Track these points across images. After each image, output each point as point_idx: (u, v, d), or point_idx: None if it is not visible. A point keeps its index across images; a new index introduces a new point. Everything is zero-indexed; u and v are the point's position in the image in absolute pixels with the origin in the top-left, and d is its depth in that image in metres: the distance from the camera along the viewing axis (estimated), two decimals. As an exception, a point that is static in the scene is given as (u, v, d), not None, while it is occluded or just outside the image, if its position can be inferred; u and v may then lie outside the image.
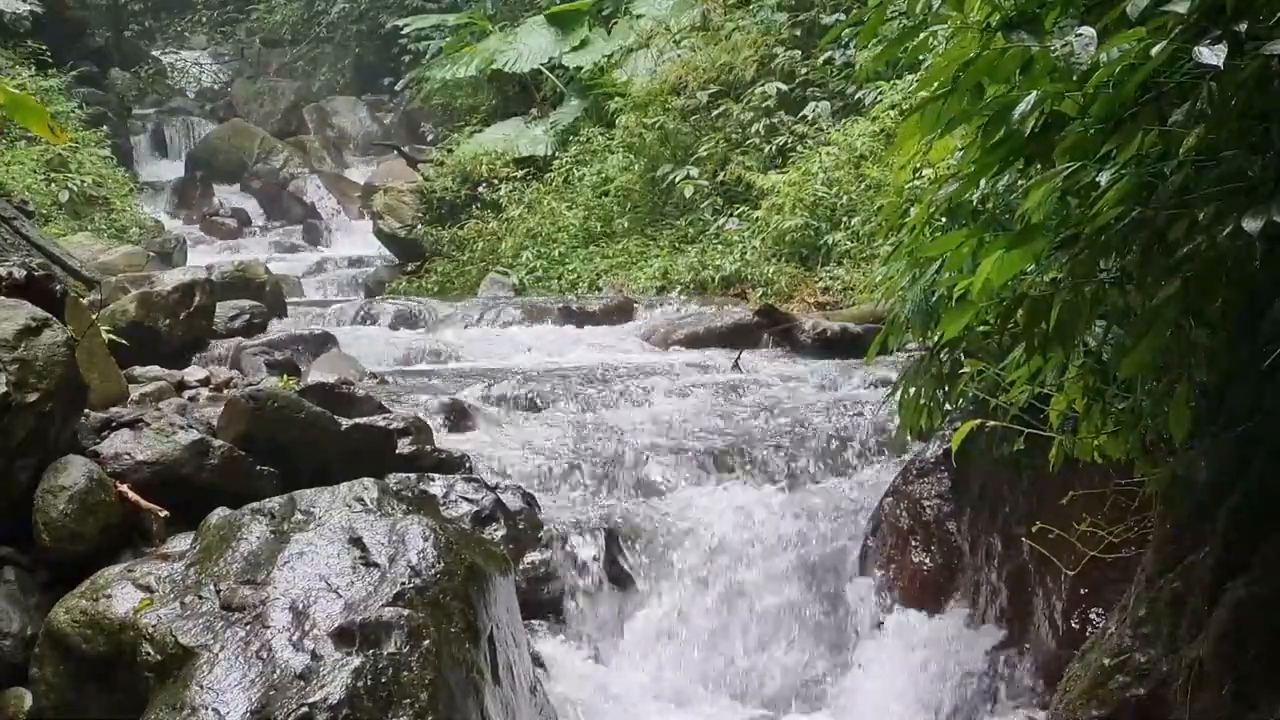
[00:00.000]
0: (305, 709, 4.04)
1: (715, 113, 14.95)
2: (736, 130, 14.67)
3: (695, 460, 6.89)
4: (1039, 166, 3.29)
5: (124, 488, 5.31)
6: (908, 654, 5.47)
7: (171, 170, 25.40)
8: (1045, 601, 5.00)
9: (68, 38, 22.86)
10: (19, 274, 5.81)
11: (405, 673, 4.20)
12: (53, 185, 16.49)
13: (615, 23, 18.12)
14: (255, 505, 4.92)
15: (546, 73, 18.15)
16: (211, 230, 22.44)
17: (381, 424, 6.41)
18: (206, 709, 4.11)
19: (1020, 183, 3.62)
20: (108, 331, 7.33)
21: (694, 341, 10.26)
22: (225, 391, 7.16)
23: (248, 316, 9.92)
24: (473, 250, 16.44)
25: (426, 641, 4.29)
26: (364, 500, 4.87)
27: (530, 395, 8.16)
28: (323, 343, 9.59)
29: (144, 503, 5.30)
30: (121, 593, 4.62)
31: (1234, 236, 2.70)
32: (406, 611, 4.35)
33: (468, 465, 6.52)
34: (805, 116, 14.01)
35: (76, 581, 4.76)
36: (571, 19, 18.21)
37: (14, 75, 17.42)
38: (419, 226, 17.67)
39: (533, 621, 5.70)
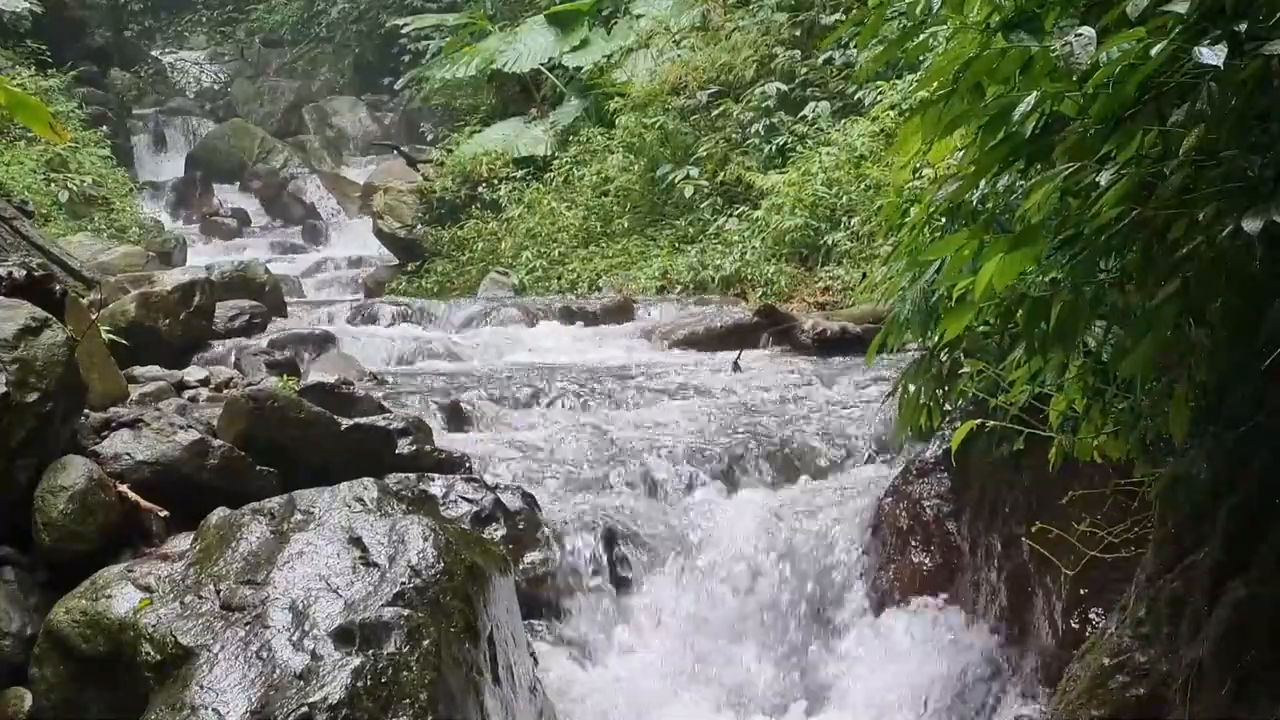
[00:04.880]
0: (305, 709, 4.04)
1: (715, 113, 14.96)
2: (736, 130, 14.67)
3: (694, 460, 6.89)
4: (1039, 167, 3.29)
5: (124, 488, 5.31)
6: (907, 654, 5.46)
7: (171, 170, 25.40)
8: (1045, 601, 5.00)
9: (68, 38, 22.87)
10: (19, 274, 5.81)
11: (405, 673, 4.20)
12: (53, 185, 16.49)
13: (615, 23, 18.12)
14: (255, 505, 4.93)
15: (546, 73, 18.15)
16: (211, 230, 22.46)
17: (381, 424, 6.41)
18: (206, 709, 4.11)
19: (1020, 183, 3.62)
20: (108, 331, 7.34)
21: (694, 341, 10.26)
22: (225, 391, 7.17)
23: (248, 316, 9.93)
24: (473, 250, 16.45)
25: (426, 641, 4.30)
26: (364, 500, 4.87)
27: (530, 395, 8.16)
28: (323, 343, 9.59)
29: (144, 503, 5.30)
30: (121, 593, 4.62)
31: (1234, 236, 2.70)
32: (406, 611, 4.35)
33: (468, 465, 6.52)
34: (805, 116, 14.01)
35: (76, 581, 4.76)
36: (571, 19, 18.21)
37: (14, 75, 17.41)
38: (419, 226, 17.68)
39: (533, 621, 5.70)
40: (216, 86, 30.75)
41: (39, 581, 4.98)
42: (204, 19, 33.88)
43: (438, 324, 11.77)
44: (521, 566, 5.82)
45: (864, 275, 11.33)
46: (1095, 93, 2.86)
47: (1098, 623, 4.60)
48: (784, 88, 14.40)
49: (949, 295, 3.98)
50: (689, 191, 14.42)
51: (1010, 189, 3.82)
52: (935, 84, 3.44)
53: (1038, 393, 4.08)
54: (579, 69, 17.69)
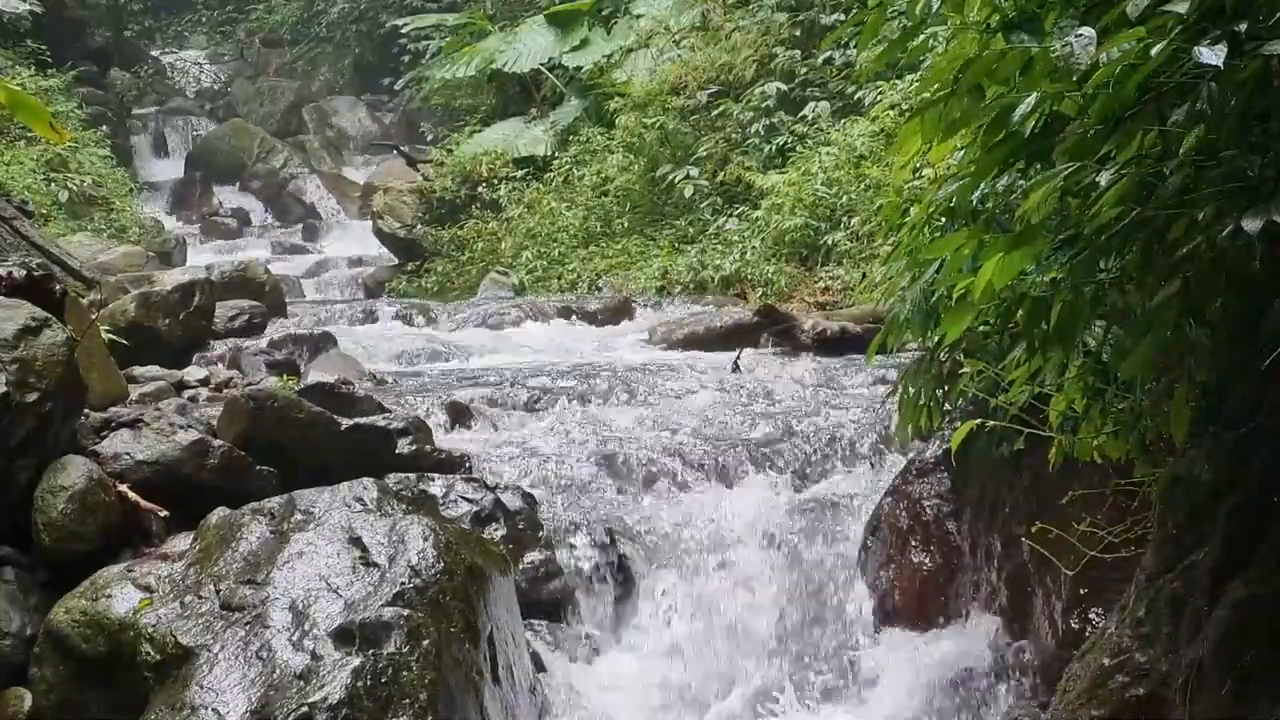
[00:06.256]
0: (305, 709, 4.05)
1: (715, 113, 14.96)
2: (736, 130, 14.68)
3: (694, 460, 6.89)
4: (1039, 167, 3.29)
5: (124, 488, 5.31)
6: (907, 654, 5.46)
7: (171, 170, 25.40)
8: (1045, 601, 5.00)
9: (68, 38, 22.86)
10: (19, 274, 5.81)
11: (405, 673, 4.20)
12: (53, 185, 16.49)
13: (615, 23, 18.12)
14: (255, 505, 4.93)
15: (546, 73, 18.15)
16: (211, 230, 22.45)
17: (381, 424, 6.41)
18: (206, 709, 4.11)
19: (1020, 183, 3.62)
20: (107, 331, 7.34)
21: (694, 341, 10.26)
22: (225, 391, 7.17)
23: (248, 316, 9.93)
24: (473, 250, 16.45)
25: (426, 641, 4.30)
26: (364, 500, 4.88)
27: (530, 395, 8.16)
28: (323, 343, 9.59)
29: (144, 503, 5.30)
30: (121, 593, 4.62)
31: (1234, 236, 2.70)
32: (406, 611, 4.35)
33: (468, 465, 6.52)
34: (805, 116, 14.01)
35: (76, 581, 4.77)
36: (571, 19, 18.20)
37: (14, 75, 17.41)
38: (419, 226, 17.68)
39: (533, 621, 5.70)
40: (216, 86, 30.74)
41: (39, 581, 4.99)
42: (204, 19, 33.88)
43: (438, 324, 11.78)
44: (521, 566, 5.82)
45: (864, 275, 11.33)
46: (1095, 93, 2.86)
47: (1098, 623, 4.60)
48: (784, 88, 14.40)
49: (949, 295, 3.98)
50: (689, 191, 14.42)
51: (1010, 189, 3.83)
52: (935, 85, 3.44)
53: (1038, 393, 4.08)
54: (579, 69, 17.69)
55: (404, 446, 6.38)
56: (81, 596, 4.66)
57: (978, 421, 4.30)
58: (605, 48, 17.62)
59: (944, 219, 4.43)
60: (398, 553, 4.57)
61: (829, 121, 13.64)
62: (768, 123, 14.26)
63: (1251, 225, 2.67)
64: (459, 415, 7.59)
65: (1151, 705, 3.74)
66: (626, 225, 15.19)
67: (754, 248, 13.00)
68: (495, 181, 17.08)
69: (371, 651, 4.23)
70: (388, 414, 6.74)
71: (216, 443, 5.72)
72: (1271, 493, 3.44)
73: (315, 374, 7.89)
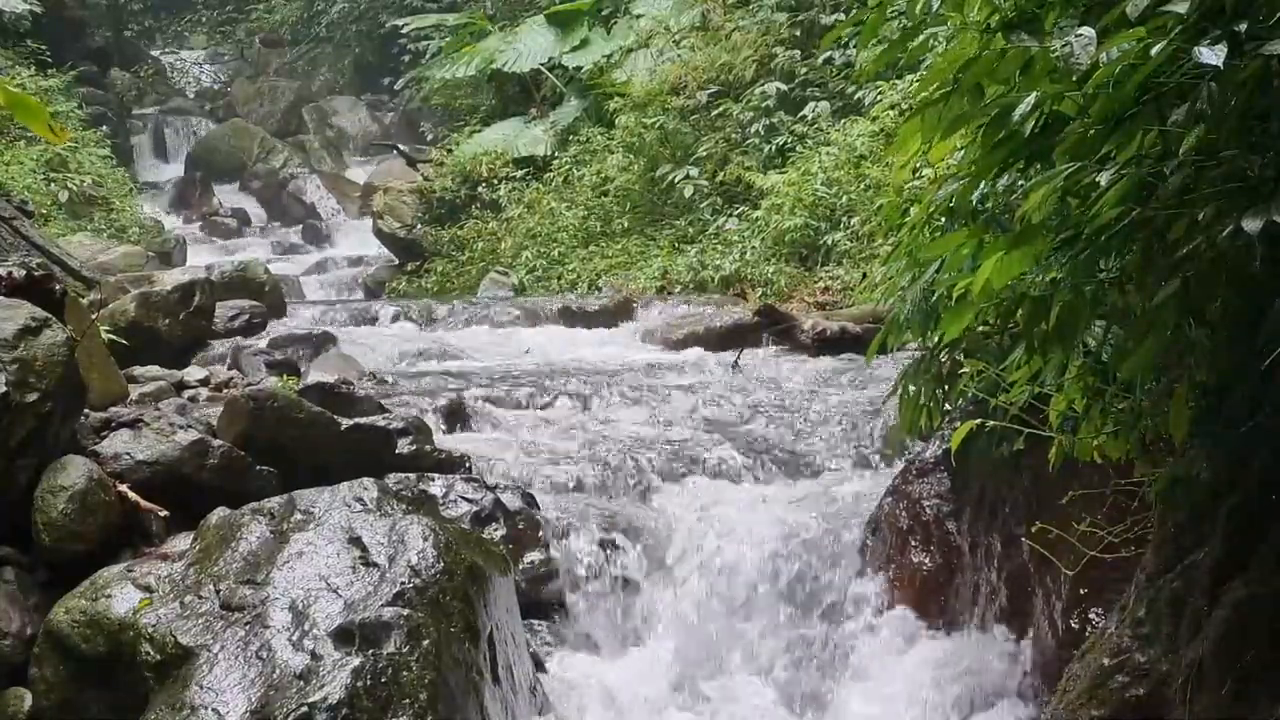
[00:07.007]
0: (305, 709, 4.05)
1: (715, 113, 14.96)
2: (736, 130, 14.68)
3: (695, 459, 6.89)
4: (1039, 167, 3.29)
5: (124, 488, 5.31)
6: (907, 654, 5.47)
7: (171, 170, 25.41)
8: (1045, 601, 5.00)
9: (68, 38, 22.85)
10: (19, 274, 5.81)
11: (405, 673, 4.20)
12: (52, 185, 16.47)
13: (615, 23, 18.12)
14: (255, 505, 4.93)
15: (546, 73, 18.15)
16: (211, 230, 22.44)
17: (381, 424, 6.41)
18: (206, 709, 4.11)
19: (1020, 183, 3.62)
20: (107, 331, 7.34)
21: (694, 341, 10.27)
22: (225, 391, 7.17)
23: (248, 316, 9.93)
24: (472, 250, 16.45)
25: (426, 641, 4.30)
26: (364, 500, 4.88)
27: (530, 395, 8.16)
28: (323, 343, 9.60)
29: (144, 503, 5.30)
30: (121, 593, 4.62)
31: (1234, 236, 2.70)
32: (406, 611, 4.35)
33: (468, 465, 6.52)
34: (805, 116, 14.01)
35: (76, 581, 4.77)
36: (571, 19, 18.20)
37: (14, 75, 17.40)
38: (419, 226, 17.69)
39: (533, 621, 5.70)
40: (216, 86, 30.75)
41: (39, 581, 4.99)
42: (204, 19, 33.88)
43: (437, 324, 11.78)
44: (521, 566, 5.82)
45: (864, 275, 11.33)
46: (1095, 93, 2.86)
47: (1098, 623, 4.60)
48: (784, 88, 14.40)
49: (949, 295, 3.98)
50: (689, 191, 14.43)
51: (1010, 189, 3.83)
52: (935, 85, 3.44)
53: (1038, 393, 4.08)
54: (579, 69, 17.68)
55: (404, 446, 6.38)
56: (81, 596, 4.66)
57: (978, 421, 4.30)
58: (605, 48, 17.61)
59: (944, 219, 4.43)
60: (398, 553, 4.57)
61: (829, 121, 13.63)
62: (768, 123, 14.26)
63: (1251, 225, 2.66)
64: (459, 415, 7.59)
65: (1151, 705, 3.74)
66: (626, 225, 15.19)
67: (754, 248, 13.00)
68: (495, 181, 17.08)
69: (371, 651, 4.23)
70: (388, 414, 6.75)
71: (216, 443, 5.72)
72: (1271, 493, 3.44)
73: (315, 374, 7.90)
